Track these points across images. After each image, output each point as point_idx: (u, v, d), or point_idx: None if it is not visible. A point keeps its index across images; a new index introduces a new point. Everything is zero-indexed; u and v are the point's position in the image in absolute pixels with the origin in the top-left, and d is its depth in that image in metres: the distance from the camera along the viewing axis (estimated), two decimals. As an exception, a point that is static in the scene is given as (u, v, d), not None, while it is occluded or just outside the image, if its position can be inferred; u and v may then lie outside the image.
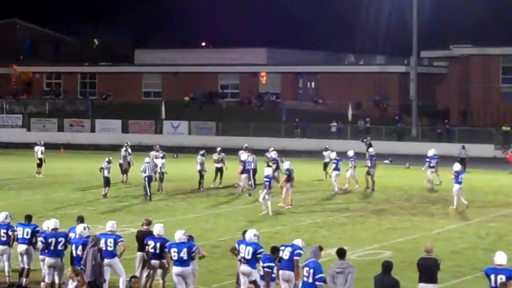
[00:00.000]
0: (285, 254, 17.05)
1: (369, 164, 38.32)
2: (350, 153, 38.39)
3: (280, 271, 17.12)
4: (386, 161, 50.95)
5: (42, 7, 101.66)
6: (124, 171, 40.34)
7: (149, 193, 34.67)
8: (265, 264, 16.85)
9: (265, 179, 30.79)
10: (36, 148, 43.95)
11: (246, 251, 17.40)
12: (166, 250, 18.26)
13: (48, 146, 49.85)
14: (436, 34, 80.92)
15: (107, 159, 36.03)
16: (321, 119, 67.91)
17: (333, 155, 38.22)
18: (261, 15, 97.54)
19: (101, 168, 35.51)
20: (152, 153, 42.09)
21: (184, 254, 17.62)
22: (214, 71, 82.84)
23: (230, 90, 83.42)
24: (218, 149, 39.87)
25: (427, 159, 39.14)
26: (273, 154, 38.25)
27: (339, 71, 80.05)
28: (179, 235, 17.86)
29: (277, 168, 36.31)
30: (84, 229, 18.43)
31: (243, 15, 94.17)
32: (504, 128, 61.90)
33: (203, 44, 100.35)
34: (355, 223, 29.64)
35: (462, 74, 74.91)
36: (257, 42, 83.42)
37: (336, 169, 37.15)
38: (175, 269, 17.76)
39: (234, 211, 31.23)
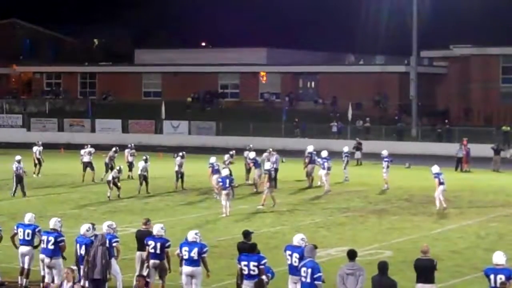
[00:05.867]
0: (293, 260, 16.74)
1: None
2: (324, 153, 38.18)
3: (289, 276, 16.97)
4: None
5: (42, 7, 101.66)
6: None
7: (13, 190, 35.38)
8: (262, 262, 16.67)
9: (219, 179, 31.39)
10: (34, 148, 43.75)
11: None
12: (167, 250, 18.28)
13: (48, 146, 49.79)
14: (436, 34, 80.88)
15: (117, 168, 36.19)
16: (321, 119, 67.89)
17: (252, 155, 38.20)
18: (261, 15, 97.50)
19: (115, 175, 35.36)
20: (127, 151, 42.20)
21: (194, 254, 17.61)
22: (214, 71, 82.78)
23: (230, 90, 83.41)
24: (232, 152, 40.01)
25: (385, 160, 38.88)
26: (251, 155, 38.31)
27: (339, 71, 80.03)
28: (191, 235, 17.87)
29: (257, 167, 36.96)
30: (88, 229, 18.46)
31: (243, 15, 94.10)
32: (504, 128, 61.88)
33: (203, 44, 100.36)
34: (355, 223, 29.63)
35: (462, 74, 74.88)
36: (257, 42, 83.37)
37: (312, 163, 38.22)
38: (185, 269, 17.73)
39: (234, 211, 31.18)
